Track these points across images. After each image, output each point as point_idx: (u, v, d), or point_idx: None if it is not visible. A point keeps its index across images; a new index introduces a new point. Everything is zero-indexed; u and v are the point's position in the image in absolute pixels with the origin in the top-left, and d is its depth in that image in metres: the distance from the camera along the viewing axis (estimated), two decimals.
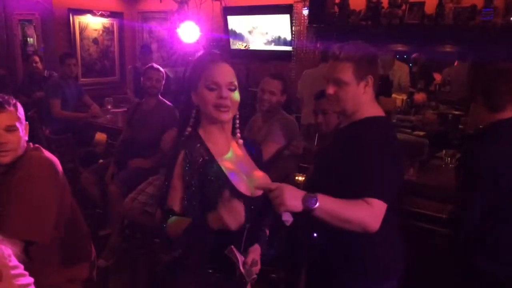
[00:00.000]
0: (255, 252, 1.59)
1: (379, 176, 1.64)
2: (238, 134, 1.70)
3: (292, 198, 1.48)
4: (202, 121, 1.63)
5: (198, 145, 1.57)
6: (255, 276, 1.53)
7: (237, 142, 1.70)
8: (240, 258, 1.51)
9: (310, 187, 1.74)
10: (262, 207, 1.64)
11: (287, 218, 1.47)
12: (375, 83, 1.81)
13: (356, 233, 1.59)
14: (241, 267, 1.50)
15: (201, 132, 1.63)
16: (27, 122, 2.01)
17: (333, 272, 1.87)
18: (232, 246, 1.50)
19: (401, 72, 5.59)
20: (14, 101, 1.94)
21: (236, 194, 1.52)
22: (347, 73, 1.75)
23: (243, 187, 1.57)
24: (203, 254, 1.58)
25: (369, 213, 1.59)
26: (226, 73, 1.57)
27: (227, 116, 1.58)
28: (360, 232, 1.59)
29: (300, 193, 1.52)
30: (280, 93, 3.09)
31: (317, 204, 1.50)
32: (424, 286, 2.63)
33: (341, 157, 1.76)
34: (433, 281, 2.66)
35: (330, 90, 1.80)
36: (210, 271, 1.58)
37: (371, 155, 1.66)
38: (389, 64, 5.49)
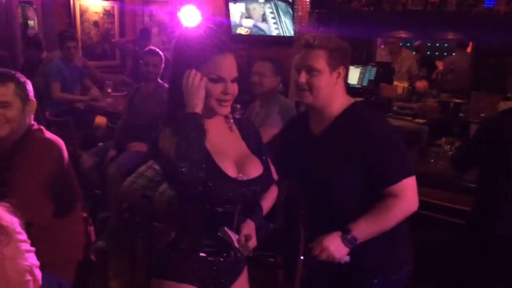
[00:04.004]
0: (248, 227, 1.56)
1: (398, 159, 1.70)
2: (229, 115, 1.62)
3: (337, 251, 1.66)
4: None
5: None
6: (251, 249, 1.53)
7: (227, 123, 1.64)
8: (234, 236, 1.50)
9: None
10: (259, 187, 1.61)
11: (346, 260, 1.68)
12: (346, 76, 1.78)
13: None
14: (236, 244, 1.50)
15: None
16: (33, 101, 1.98)
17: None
18: (225, 227, 1.50)
19: (410, 60, 5.58)
20: (17, 76, 1.91)
21: (223, 177, 1.49)
22: (320, 61, 1.71)
23: (231, 170, 1.53)
24: (195, 238, 1.57)
25: (402, 203, 1.67)
26: (232, 66, 1.51)
27: (228, 110, 1.55)
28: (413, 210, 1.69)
29: (338, 240, 1.66)
30: (271, 74, 3.08)
31: (357, 240, 1.65)
32: (425, 273, 2.64)
33: (349, 157, 1.71)
34: (432, 268, 2.68)
35: (302, 78, 1.74)
36: (204, 254, 1.58)
37: (389, 145, 1.70)
38: (396, 50, 5.48)
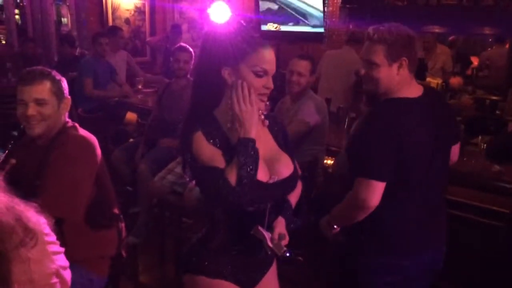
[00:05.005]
0: (280, 225, 1.55)
1: (368, 156, 1.77)
2: (262, 116, 1.60)
3: (325, 229, 1.98)
4: (223, 102, 1.52)
5: (214, 129, 1.50)
6: (285, 249, 1.51)
7: (262, 124, 1.61)
8: (267, 234, 1.49)
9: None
10: (290, 186, 1.60)
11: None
12: (412, 64, 1.80)
13: (374, 211, 1.75)
14: (269, 243, 1.48)
15: (217, 113, 1.53)
16: (68, 98, 2.01)
17: (356, 248, 1.93)
18: (258, 225, 1.49)
19: (445, 56, 5.42)
20: (52, 74, 1.94)
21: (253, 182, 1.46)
22: (378, 55, 1.77)
23: (262, 173, 1.49)
24: (225, 237, 1.57)
25: (351, 197, 1.79)
26: (274, 61, 1.50)
27: (264, 106, 1.54)
28: (365, 211, 1.77)
29: (326, 221, 1.98)
30: (309, 73, 3.06)
31: (331, 223, 1.93)
32: (459, 275, 2.57)
33: (352, 140, 1.92)
34: (467, 270, 2.60)
35: (362, 70, 1.88)
36: (235, 252, 1.58)
37: (365, 137, 1.79)
38: (431, 46, 5.33)
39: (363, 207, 1.75)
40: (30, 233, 0.85)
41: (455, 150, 2.01)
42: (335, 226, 1.93)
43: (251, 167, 1.39)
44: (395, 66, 1.77)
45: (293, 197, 1.66)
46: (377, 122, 1.80)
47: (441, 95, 2.12)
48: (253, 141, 1.42)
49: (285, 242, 1.52)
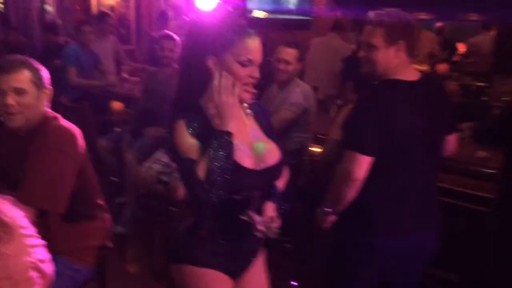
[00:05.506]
0: (270, 209, 1.57)
1: (356, 131, 1.82)
2: (245, 104, 1.59)
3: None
4: (208, 90, 1.50)
5: (197, 117, 1.48)
6: (276, 231, 1.55)
7: (244, 112, 1.60)
8: (258, 219, 1.52)
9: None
10: (277, 173, 1.60)
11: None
12: (410, 49, 1.84)
13: (362, 193, 1.79)
14: (260, 226, 1.51)
15: (203, 102, 1.52)
16: (50, 88, 1.96)
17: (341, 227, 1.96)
18: (249, 210, 1.52)
19: (432, 43, 5.43)
20: (32, 63, 1.89)
21: (239, 169, 1.46)
22: (376, 37, 1.82)
23: (247, 161, 1.49)
24: (212, 225, 1.57)
25: (339, 169, 1.82)
26: (260, 51, 1.48)
27: (250, 96, 1.52)
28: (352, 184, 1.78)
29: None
30: (296, 61, 3.04)
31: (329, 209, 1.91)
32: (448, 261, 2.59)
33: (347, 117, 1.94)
34: (455, 257, 2.62)
35: (361, 52, 1.93)
36: (222, 241, 1.58)
37: (355, 113, 1.84)
38: None
39: (350, 179, 1.77)
40: (5, 227, 0.83)
41: (452, 141, 2.03)
42: (330, 213, 1.92)
43: (221, 162, 1.37)
44: (392, 48, 1.81)
45: (281, 182, 1.68)
46: (368, 100, 1.86)
47: (441, 85, 2.11)
48: (228, 134, 1.41)
49: (275, 225, 1.54)
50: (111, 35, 5.69)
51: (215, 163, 1.37)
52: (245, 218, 1.51)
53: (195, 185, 1.39)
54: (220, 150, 1.38)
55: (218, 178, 1.37)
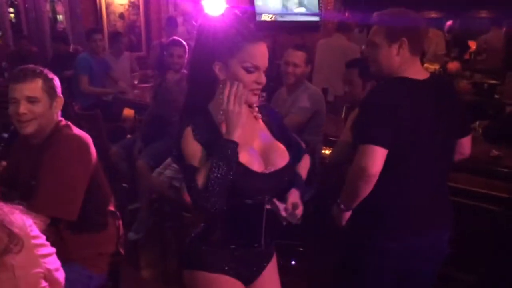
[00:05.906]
0: (294, 195, 1.56)
1: (367, 124, 1.79)
2: (256, 108, 1.59)
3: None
4: (216, 95, 1.51)
5: (205, 123, 1.48)
6: (299, 217, 1.53)
7: (252, 112, 1.60)
8: (281, 205, 1.51)
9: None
10: (287, 176, 1.59)
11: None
12: (414, 46, 1.82)
13: (375, 194, 1.76)
14: (283, 213, 1.50)
15: (211, 107, 1.53)
16: (61, 97, 1.99)
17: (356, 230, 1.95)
18: (274, 198, 1.51)
19: (438, 39, 5.37)
20: (44, 73, 1.92)
21: (248, 173, 1.46)
22: (378, 36, 1.83)
23: (257, 164, 1.50)
24: (224, 231, 1.56)
25: (353, 163, 1.77)
26: (266, 56, 1.48)
27: (257, 99, 1.52)
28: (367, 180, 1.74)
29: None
30: (305, 64, 3.04)
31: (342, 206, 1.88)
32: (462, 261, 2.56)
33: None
34: (469, 256, 2.59)
35: (365, 51, 1.96)
36: (234, 246, 1.58)
37: (365, 108, 1.83)
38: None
39: (364, 175, 1.73)
40: (15, 239, 0.83)
41: (466, 143, 1.99)
42: (346, 211, 1.90)
43: (221, 171, 1.37)
44: (394, 46, 1.81)
45: (303, 169, 1.69)
46: (376, 95, 1.85)
47: (451, 85, 2.09)
48: (233, 143, 1.41)
49: (299, 211, 1.53)
50: (126, 51, 5.78)
51: (216, 172, 1.37)
52: (268, 206, 1.51)
53: (194, 192, 1.39)
54: (223, 159, 1.38)
55: (217, 188, 1.37)
